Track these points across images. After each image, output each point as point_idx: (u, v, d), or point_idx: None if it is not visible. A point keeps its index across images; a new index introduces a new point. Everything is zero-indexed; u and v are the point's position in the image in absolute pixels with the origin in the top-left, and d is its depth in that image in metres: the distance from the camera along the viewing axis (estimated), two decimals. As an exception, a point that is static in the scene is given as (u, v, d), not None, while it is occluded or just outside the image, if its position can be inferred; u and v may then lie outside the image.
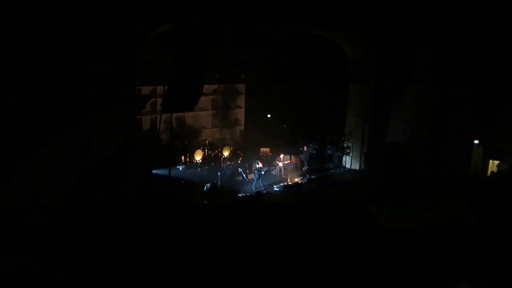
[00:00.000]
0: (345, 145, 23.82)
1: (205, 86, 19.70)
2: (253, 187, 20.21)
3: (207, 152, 23.83)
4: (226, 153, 23.47)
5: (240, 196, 19.19)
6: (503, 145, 19.84)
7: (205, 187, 19.74)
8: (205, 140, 24.71)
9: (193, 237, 4.34)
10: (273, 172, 22.67)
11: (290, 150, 24.14)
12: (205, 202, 18.29)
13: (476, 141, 20.83)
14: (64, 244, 4.00)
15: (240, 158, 23.84)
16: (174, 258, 4.04)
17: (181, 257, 4.06)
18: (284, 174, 22.32)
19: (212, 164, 23.19)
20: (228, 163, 23.10)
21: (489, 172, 20.60)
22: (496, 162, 20.64)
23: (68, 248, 3.97)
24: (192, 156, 23.04)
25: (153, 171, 20.61)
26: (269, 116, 26.78)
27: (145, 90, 21.84)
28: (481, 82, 19.35)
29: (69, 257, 3.88)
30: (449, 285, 3.95)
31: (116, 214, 4.79)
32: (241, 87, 26.85)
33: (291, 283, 3.96)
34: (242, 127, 27.42)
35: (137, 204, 14.52)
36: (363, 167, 23.13)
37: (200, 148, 23.48)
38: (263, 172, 20.95)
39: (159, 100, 20.79)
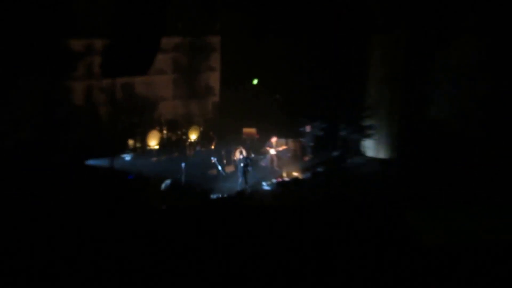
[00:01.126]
0: (366, 124, 23.70)
1: (164, 40, 19.35)
2: (238, 186, 20.01)
3: (167, 134, 23.64)
4: (193, 136, 23.51)
5: (214, 198, 18.96)
6: None
7: (164, 184, 19.56)
8: (160, 116, 24.52)
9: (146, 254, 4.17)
10: (262, 163, 22.56)
11: (286, 131, 23.91)
12: (164, 207, 18.00)
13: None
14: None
15: (214, 143, 23.72)
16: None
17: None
18: (277, 166, 22.34)
19: (174, 152, 23.09)
20: (197, 149, 22.99)
21: None
22: None
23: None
24: (145, 141, 22.86)
25: (88, 162, 20.30)
26: (255, 82, 26.49)
27: (77, 44, 21.49)
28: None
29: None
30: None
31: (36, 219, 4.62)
32: (215, 40, 26.71)
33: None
34: (217, 99, 27.50)
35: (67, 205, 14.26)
36: (392, 154, 23.01)
37: (156, 129, 23.24)
38: (250, 162, 20.65)
39: (98, 60, 20.44)
